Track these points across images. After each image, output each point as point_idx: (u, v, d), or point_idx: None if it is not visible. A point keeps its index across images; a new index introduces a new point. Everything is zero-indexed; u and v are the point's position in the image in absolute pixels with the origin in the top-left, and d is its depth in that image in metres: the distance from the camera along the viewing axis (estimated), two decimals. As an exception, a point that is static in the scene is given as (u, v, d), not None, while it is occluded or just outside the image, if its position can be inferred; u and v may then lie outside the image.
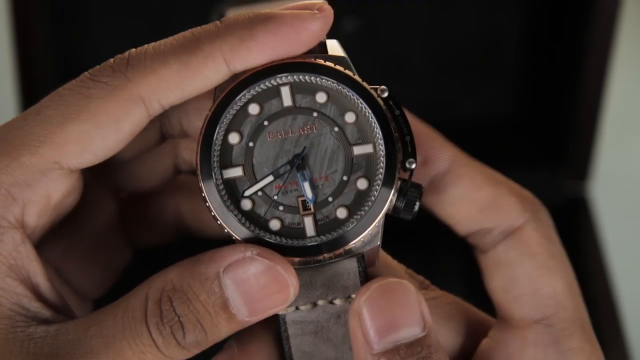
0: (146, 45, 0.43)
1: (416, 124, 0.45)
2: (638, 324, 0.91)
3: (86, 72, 0.43)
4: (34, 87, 0.91)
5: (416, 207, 0.43)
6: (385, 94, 0.44)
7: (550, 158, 0.98)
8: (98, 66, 0.43)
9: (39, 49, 0.90)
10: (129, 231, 0.52)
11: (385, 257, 0.47)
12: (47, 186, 0.43)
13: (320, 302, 0.44)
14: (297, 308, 0.45)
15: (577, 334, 0.44)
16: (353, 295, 0.44)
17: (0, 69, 0.97)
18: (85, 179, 0.47)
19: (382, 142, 0.43)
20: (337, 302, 0.45)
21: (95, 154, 0.43)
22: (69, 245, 0.50)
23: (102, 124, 0.42)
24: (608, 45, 0.90)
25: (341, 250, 0.43)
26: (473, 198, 0.45)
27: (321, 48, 0.44)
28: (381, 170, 0.42)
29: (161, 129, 0.50)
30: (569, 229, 0.96)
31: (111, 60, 0.43)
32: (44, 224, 0.44)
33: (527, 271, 0.44)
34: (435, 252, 0.93)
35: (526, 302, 0.44)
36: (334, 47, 0.44)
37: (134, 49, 0.43)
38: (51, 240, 0.48)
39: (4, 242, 0.42)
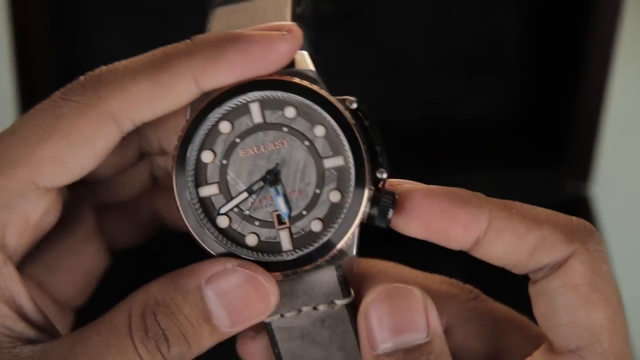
0: (117, 63, 0.44)
1: (448, 189, 0.45)
2: (639, 324, 0.91)
3: (57, 92, 0.43)
4: (33, 87, 0.90)
5: (389, 215, 0.43)
6: (354, 105, 0.44)
7: (550, 158, 0.98)
8: (69, 84, 0.43)
9: (38, 49, 0.90)
10: (107, 235, 0.53)
11: (401, 269, 0.48)
12: (25, 207, 0.43)
13: (304, 309, 0.45)
14: (281, 315, 0.45)
15: None
16: (336, 301, 0.45)
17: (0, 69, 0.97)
18: (63, 196, 0.47)
19: (350, 154, 0.43)
20: (321, 307, 0.46)
21: (70, 172, 0.43)
22: (49, 259, 0.51)
23: (74, 143, 0.42)
24: (609, 45, 0.89)
25: (317, 262, 0.44)
26: (519, 248, 0.45)
27: (289, 62, 0.44)
28: (351, 181, 0.43)
29: (140, 148, 0.51)
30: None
31: (82, 77, 0.44)
32: (24, 243, 0.44)
33: (566, 302, 0.44)
34: (437, 253, 0.93)
35: (562, 331, 0.44)
36: (303, 61, 0.45)
37: (104, 66, 0.44)
38: (32, 256, 0.49)
39: None
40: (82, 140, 0.42)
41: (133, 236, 0.54)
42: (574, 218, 0.46)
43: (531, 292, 0.46)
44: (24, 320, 0.43)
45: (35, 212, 0.43)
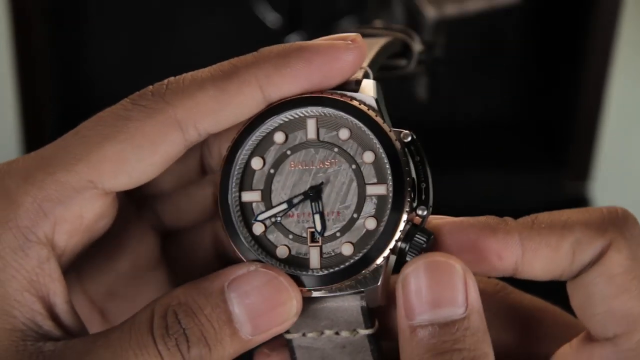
0: (185, 74, 0.44)
1: (475, 220, 0.45)
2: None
3: (127, 98, 0.44)
4: (33, 87, 0.91)
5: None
6: (408, 139, 0.44)
7: (550, 158, 0.98)
8: (139, 92, 0.43)
9: (39, 49, 0.90)
10: (171, 268, 0.53)
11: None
12: (80, 205, 0.43)
13: (326, 332, 0.45)
14: (303, 335, 0.45)
15: None
16: (359, 330, 0.45)
17: (0, 69, 0.97)
18: (119, 205, 0.47)
19: (392, 184, 0.43)
20: (343, 334, 0.45)
21: (129, 175, 0.43)
22: (113, 286, 0.50)
23: (138, 145, 0.42)
24: (609, 46, 0.90)
25: (341, 284, 0.43)
26: (558, 260, 0.44)
27: (356, 86, 0.45)
28: (388, 211, 0.43)
29: (202, 161, 0.51)
30: (570, 230, 0.96)
31: (150, 86, 0.44)
32: (74, 244, 0.44)
33: (603, 291, 0.44)
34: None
35: (599, 320, 0.44)
36: (367, 87, 0.45)
37: (172, 77, 0.44)
38: (95, 278, 0.49)
39: (29, 256, 0.42)
40: (146, 143, 0.42)
41: (196, 267, 0.54)
42: (604, 209, 0.45)
43: (568, 286, 0.45)
44: (54, 320, 0.43)
45: (90, 212, 0.43)
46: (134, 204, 0.49)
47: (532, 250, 0.44)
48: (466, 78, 0.99)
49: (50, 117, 0.94)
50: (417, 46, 0.59)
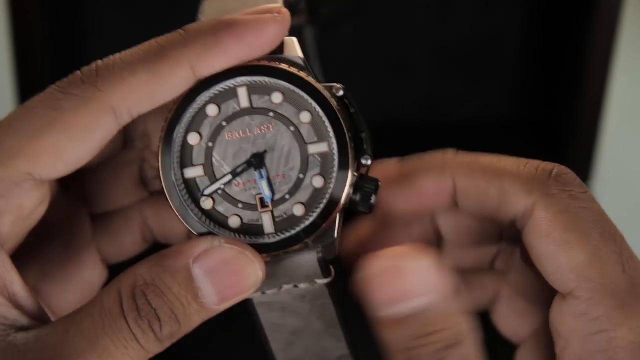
0: (112, 56, 0.44)
1: (416, 162, 0.48)
2: None
3: (55, 85, 0.44)
4: (32, 87, 0.90)
5: (372, 200, 0.44)
6: (340, 93, 0.45)
7: (551, 158, 0.97)
8: (66, 78, 0.44)
9: (36, 47, 0.90)
10: (101, 247, 0.53)
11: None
12: (20, 197, 0.43)
13: (285, 287, 0.46)
14: (263, 293, 0.46)
15: (604, 302, 0.44)
16: (317, 280, 0.46)
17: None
18: (55, 191, 0.48)
19: (334, 140, 0.44)
20: (302, 285, 0.46)
21: (67, 164, 0.43)
22: (46, 265, 0.51)
23: (73, 135, 0.43)
24: (609, 44, 0.89)
25: (299, 245, 0.44)
26: (485, 203, 0.46)
27: (279, 47, 0.45)
28: (334, 167, 0.44)
29: (125, 133, 0.51)
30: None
31: (79, 72, 0.44)
32: (16, 233, 0.44)
33: (546, 251, 0.45)
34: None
35: (554, 279, 0.45)
36: (291, 47, 0.45)
37: (100, 60, 0.44)
38: (28, 261, 0.49)
39: None
40: (81, 132, 0.43)
41: (124, 249, 0.54)
42: (540, 165, 0.47)
43: (523, 247, 0.47)
44: (17, 308, 0.43)
45: (30, 202, 0.44)
46: (63, 184, 0.50)
47: (463, 189, 0.47)
48: (466, 77, 0.99)
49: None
50: None
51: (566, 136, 0.96)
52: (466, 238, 0.51)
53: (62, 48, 0.94)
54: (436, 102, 1.00)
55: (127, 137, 0.52)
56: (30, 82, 0.90)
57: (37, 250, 0.50)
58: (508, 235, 0.51)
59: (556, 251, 0.44)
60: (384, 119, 0.95)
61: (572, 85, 0.93)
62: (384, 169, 0.47)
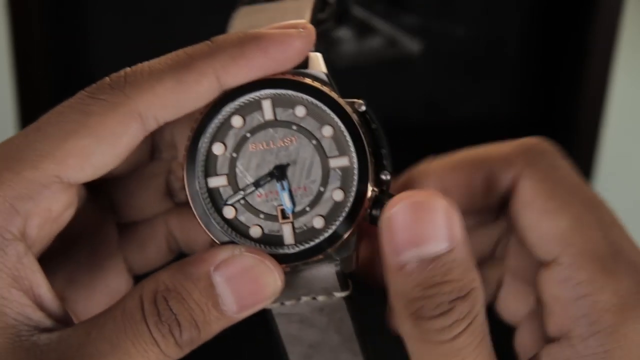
0: (141, 64, 0.45)
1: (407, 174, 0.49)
2: None
3: (84, 90, 0.45)
4: (32, 86, 0.90)
5: None
6: (362, 108, 0.46)
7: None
8: (96, 84, 0.45)
9: (36, 47, 0.90)
10: (127, 256, 0.54)
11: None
12: (48, 199, 0.44)
13: (303, 298, 0.47)
14: (282, 304, 0.47)
15: (587, 266, 0.44)
16: (335, 293, 0.47)
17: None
18: (83, 197, 0.49)
19: (355, 155, 0.45)
20: (320, 298, 0.47)
21: (94, 167, 0.44)
22: (72, 272, 0.52)
23: (101, 139, 0.44)
24: (610, 44, 0.89)
25: (317, 257, 0.45)
26: (473, 194, 0.47)
27: (304, 62, 0.46)
28: (355, 181, 0.45)
29: (152, 143, 0.52)
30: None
31: (107, 78, 0.45)
32: (43, 235, 0.45)
33: (529, 220, 0.46)
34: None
35: (538, 249, 0.46)
36: (316, 62, 0.46)
37: (129, 68, 0.45)
38: (56, 266, 0.50)
39: (8, 254, 0.43)
40: (109, 136, 0.44)
41: (149, 259, 0.55)
42: (520, 141, 0.49)
43: (511, 224, 0.48)
44: (42, 310, 0.44)
45: (57, 205, 0.44)
46: (91, 192, 0.51)
47: (450, 187, 0.48)
48: (466, 78, 0.99)
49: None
50: None
51: (566, 136, 0.96)
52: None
53: (62, 48, 0.94)
54: (436, 101, 1.00)
55: (154, 147, 0.53)
56: (30, 82, 0.90)
57: (64, 256, 0.50)
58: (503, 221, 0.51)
59: (538, 219, 0.45)
60: (383, 118, 0.95)
61: (572, 85, 0.93)
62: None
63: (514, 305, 0.51)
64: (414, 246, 0.43)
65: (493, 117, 1.00)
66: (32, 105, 0.92)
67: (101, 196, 0.52)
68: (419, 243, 0.43)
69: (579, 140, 0.95)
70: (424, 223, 0.43)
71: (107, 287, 0.52)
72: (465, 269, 0.43)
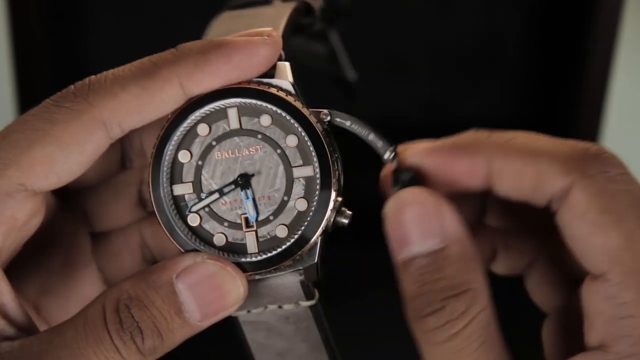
0: (105, 72, 0.45)
1: (447, 142, 0.48)
2: None
3: (48, 99, 0.45)
4: (32, 86, 0.90)
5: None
6: (328, 119, 0.46)
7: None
8: (60, 92, 0.45)
9: (36, 47, 0.90)
10: (101, 266, 0.54)
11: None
12: (12, 207, 0.44)
13: (269, 307, 0.47)
14: (248, 311, 0.47)
15: (635, 287, 0.43)
16: (301, 302, 0.47)
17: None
18: (55, 206, 0.49)
19: (318, 165, 0.45)
20: (286, 307, 0.47)
21: (59, 175, 0.44)
22: (46, 281, 0.52)
23: (65, 147, 0.44)
24: (610, 45, 0.89)
25: (280, 266, 0.45)
26: (521, 185, 0.46)
27: (271, 70, 0.46)
28: (317, 191, 0.45)
29: (122, 151, 0.52)
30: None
31: (72, 86, 0.45)
32: (9, 244, 0.45)
33: (580, 232, 0.45)
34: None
35: (586, 260, 0.45)
36: (283, 71, 0.46)
37: (93, 76, 0.45)
38: (27, 276, 0.50)
39: None
40: (73, 144, 0.44)
41: (124, 268, 0.55)
42: (578, 145, 0.46)
43: (556, 226, 0.46)
44: (4, 318, 0.44)
45: (22, 214, 0.44)
46: (64, 202, 0.51)
47: (498, 171, 0.46)
48: (467, 78, 0.99)
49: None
50: (317, 2, 0.59)
51: (566, 136, 0.95)
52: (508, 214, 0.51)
53: (62, 48, 0.94)
54: (436, 101, 1.00)
55: (125, 156, 0.53)
56: (30, 81, 0.90)
57: (36, 266, 0.50)
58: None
59: (590, 233, 0.44)
60: (383, 118, 0.95)
61: (572, 85, 0.93)
62: (418, 148, 0.48)
63: (546, 293, 0.50)
64: (409, 243, 0.43)
65: (493, 117, 1.00)
66: (32, 104, 0.92)
67: (74, 206, 0.52)
68: (407, 242, 0.43)
69: (579, 141, 0.95)
70: (417, 221, 0.43)
71: (82, 297, 0.51)
72: (461, 267, 0.43)
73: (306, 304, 0.47)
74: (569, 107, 0.95)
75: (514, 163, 0.45)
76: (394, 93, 0.99)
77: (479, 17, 0.98)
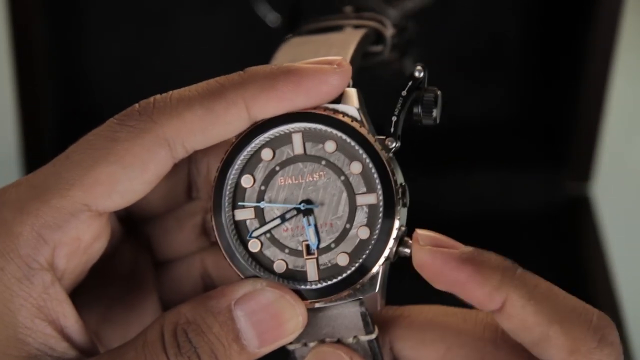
0: (171, 92, 0.45)
1: (474, 257, 0.44)
2: (638, 323, 0.91)
3: (113, 118, 0.44)
4: (32, 85, 0.90)
5: (434, 112, 0.49)
6: (393, 145, 0.46)
7: (551, 158, 0.98)
8: (125, 110, 0.44)
9: (37, 47, 0.90)
10: (163, 295, 0.54)
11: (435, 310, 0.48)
12: (76, 228, 0.44)
13: (327, 340, 0.46)
14: (305, 344, 0.47)
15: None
16: (360, 337, 0.46)
17: None
18: (120, 234, 0.49)
19: (382, 193, 0.44)
20: (344, 341, 0.46)
21: (122, 195, 0.44)
22: (107, 310, 0.52)
23: (128, 165, 0.43)
24: (610, 45, 0.89)
25: (341, 294, 0.45)
26: (523, 336, 0.44)
27: (338, 96, 0.46)
28: (380, 220, 0.44)
29: (189, 180, 0.52)
30: (571, 230, 0.96)
31: (136, 105, 0.44)
32: (73, 266, 0.45)
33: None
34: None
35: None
36: (350, 97, 0.46)
37: (159, 95, 0.44)
38: (91, 304, 0.50)
39: (34, 284, 0.43)
40: (136, 163, 0.43)
41: (185, 298, 0.55)
42: (592, 321, 0.44)
43: None
44: (67, 341, 0.44)
45: (86, 234, 0.44)
46: (128, 230, 0.51)
47: (508, 315, 0.44)
48: (467, 79, 0.99)
49: (49, 121, 0.94)
50: (389, 31, 0.59)
51: (566, 137, 0.96)
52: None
53: (62, 48, 0.94)
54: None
55: (191, 185, 0.52)
56: (30, 83, 0.90)
57: (99, 293, 0.50)
58: None
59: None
60: (383, 118, 0.95)
61: (572, 86, 0.93)
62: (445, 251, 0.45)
63: None
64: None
65: (493, 118, 1.00)
66: (33, 105, 0.92)
67: (138, 235, 0.52)
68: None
69: (579, 141, 0.95)
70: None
71: (142, 326, 0.50)
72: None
73: (365, 338, 0.46)
74: (568, 107, 0.95)
75: (528, 317, 0.44)
76: (394, 93, 0.99)
77: (479, 17, 0.98)
